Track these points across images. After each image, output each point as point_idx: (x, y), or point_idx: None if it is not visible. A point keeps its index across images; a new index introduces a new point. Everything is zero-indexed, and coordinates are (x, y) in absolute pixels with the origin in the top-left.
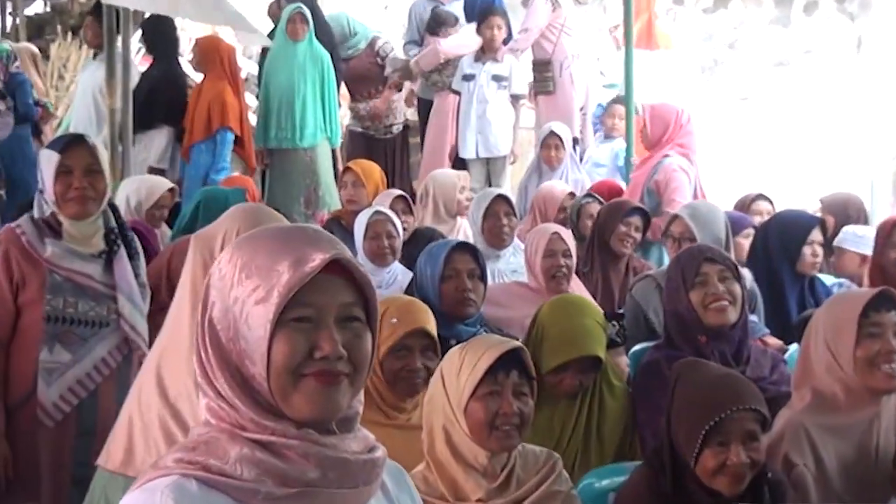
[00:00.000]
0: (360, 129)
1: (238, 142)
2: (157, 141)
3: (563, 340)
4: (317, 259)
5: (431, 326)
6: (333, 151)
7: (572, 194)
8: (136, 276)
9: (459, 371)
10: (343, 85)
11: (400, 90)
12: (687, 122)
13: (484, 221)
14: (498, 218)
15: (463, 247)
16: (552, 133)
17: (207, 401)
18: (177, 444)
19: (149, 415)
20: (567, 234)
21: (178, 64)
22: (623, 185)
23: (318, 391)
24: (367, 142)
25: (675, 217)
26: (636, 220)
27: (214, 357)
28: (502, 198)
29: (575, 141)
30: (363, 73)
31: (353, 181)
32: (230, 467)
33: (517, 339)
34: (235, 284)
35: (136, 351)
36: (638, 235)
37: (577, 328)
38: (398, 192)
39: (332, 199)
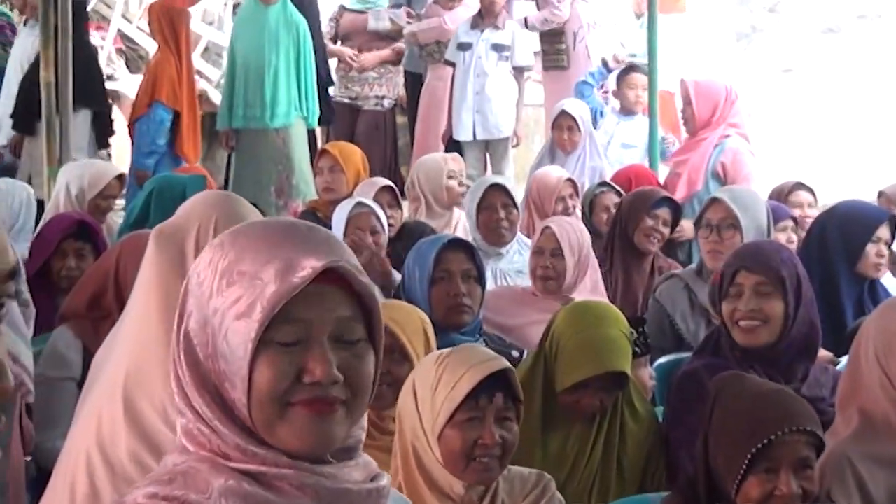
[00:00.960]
0: (346, 99)
1: (177, 121)
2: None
3: (583, 354)
4: (307, 267)
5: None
6: (311, 132)
7: (571, 181)
8: (17, 292)
9: (436, 390)
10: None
11: (398, 62)
12: (736, 99)
13: (479, 215)
14: (494, 210)
15: (456, 244)
16: (565, 113)
17: (185, 423)
18: (148, 476)
19: (116, 452)
20: (568, 229)
21: (86, 33)
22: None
23: (309, 422)
24: (351, 114)
25: (714, 200)
26: (664, 212)
27: (191, 375)
28: (499, 187)
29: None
30: (360, 26)
31: (331, 166)
32: (213, 503)
33: (521, 352)
34: (215, 293)
35: (21, 388)
36: (666, 231)
37: (598, 340)
38: (384, 181)
39: (308, 187)
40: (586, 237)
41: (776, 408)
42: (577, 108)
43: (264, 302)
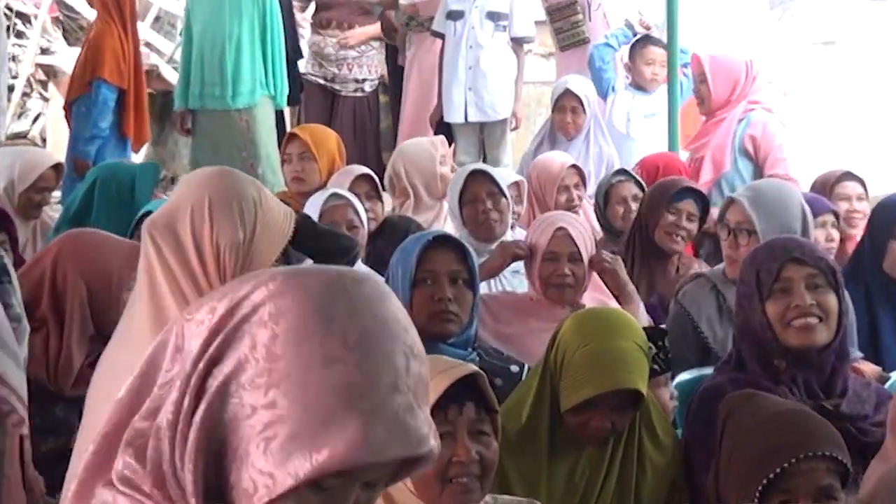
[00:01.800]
0: (320, 80)
1: (122, 101)
2: None
3: (590, 369)
4: (391, 450)
5: None
6: (279, 114)
7: (576, 168)
8: (7, 305)
9: None
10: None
11: (392, 37)
12: (757, 75)
13: (462, 209)
14: (479, 202)
15: (443, 241)
16: (569, 92)
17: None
18: None
19: None
20: (581, 230)
21: None
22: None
23: None
24: (327, 98)
25: (731, 201)
26: (688, 205)
27: (199, 438)
28: (481, 174)
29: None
30: None
31: (300, 153)
32: None
33: (521, 366)
34: (252, 389)
35: (10, 416)
36: (692, 226)
37: (609, 353)
38: (362, 169)
39: (276, 176)
40: (592, 233)
41: (791, 430)
42: (583, 87)
43: (311, 465)
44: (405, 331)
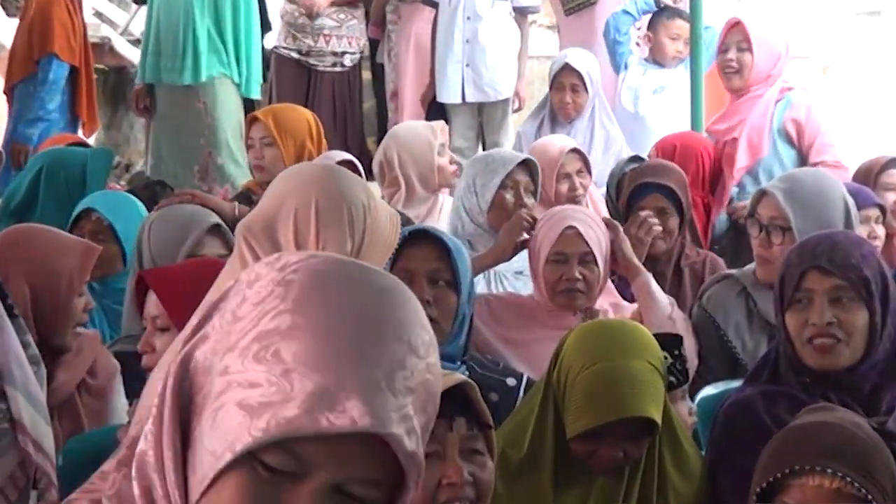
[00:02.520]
0: (293, 54)
1: (73, 80)
2: None
3: (597, 394)
4: (345, 416)
5: None
6: (251, 102)
7: (578, 153)
8: (25, 345)
9: None
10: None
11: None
12: (791, 58)
13: (497, 195)
14: (518, 195)
15: (421, 235)
16: (569, 68)
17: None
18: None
19: None
20: (595, 228)
21: None
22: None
23: None
24: (301, 74)
25: (763, 193)
26: (653, 200)
27: (170, 418)
28: (529, 166)
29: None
30: None
31: (262, 138)
32: None
33: (519, 378)
34: (238, 351)
35: (49, 489)
36: (669, 222)
37: (617, 375)
38: (342, 155)
39: (239, 168)
40: (605, 232)
41: (802, 439)
42: (584, 62)
43: (273, 421)
44: (406, 326)
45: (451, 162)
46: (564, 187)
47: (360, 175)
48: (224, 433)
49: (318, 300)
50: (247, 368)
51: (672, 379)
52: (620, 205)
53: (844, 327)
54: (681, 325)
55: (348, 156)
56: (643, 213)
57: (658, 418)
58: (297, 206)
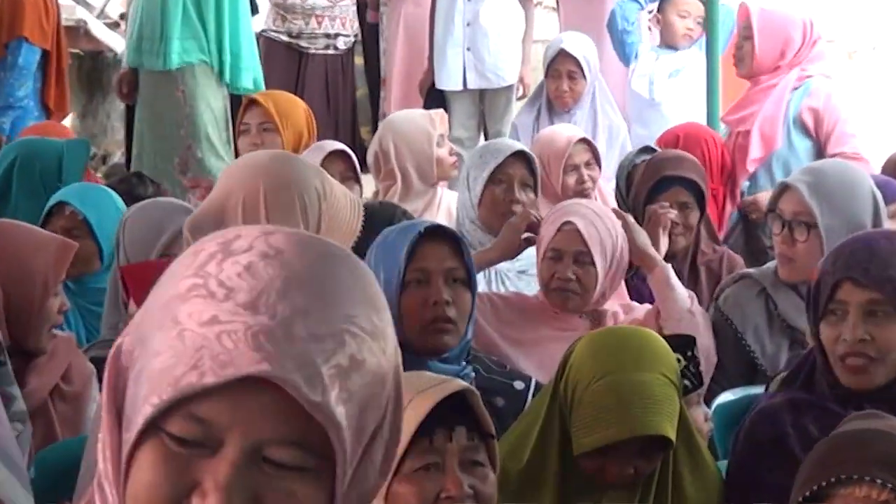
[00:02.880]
0: (283, 36)
1: (44, 66)
2: None
3: (607, 410)
4: (229, 367)
5: None
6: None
7: (586, 143)
8: (8, 399)
9: None
10: None
11: None
12: (817, 39)
13: (486, 190)
14: (510, 189)
15: (438, 233)
16: (564, 53)
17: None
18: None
19: None
20: (599, 226)
21: None
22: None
23: None
24: (291, 58)
25: (786, 187)
26: (678, 194)
27: (106, 418)
28: (522, 157)
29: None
30: None
31: (261, 123)
32: None
33: (527, 382)
34: (149, 322)
35: None
36: (691, 216)
37: (627, 389)
38: (335, 145)
39: (220, 160)
40: (620, 231)
41: (850, 447)
42: (581, 47)
43: (166, 385)
44: (324, 283)
45: (451, 153)
46: (572, 180)
47: (354, 166)
48: (132, 411)
49: (263, 264)
50: (154, 339)
51: (686, 383)
52: (634, 199)
53: (879, 344)
54: (701, 319)
55: (340, 145)
56: (654, 206)
57: (673, 435)
58: (245, 196)
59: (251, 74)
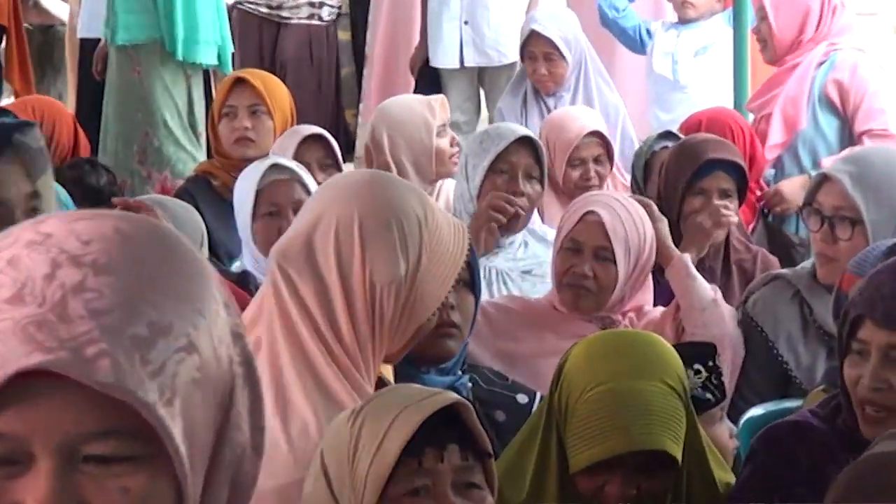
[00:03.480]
0: (262, 9)
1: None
2: None
3: (601, 422)
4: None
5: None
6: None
7: (599, 137)
8: None
9: (354, 456)
10: None
11: None
12: (842, 8)
13: (486, 180)
14: (514, 179)
15: None
16: (535, 35)
17: None
18: None
19: None
20: (623, 217)
21: None
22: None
23: None
24: (268, 30)
25: (825, 178)
26: (718, 180)
27: None
28: (527, 143)
29: None
30: None
31: (251, 105)
32: None
33: (532, 396)
34: None
35: None
36: (728, 206)
37: (624, 399)
38: (312, 129)
39: (179, 151)
40: (649, 230)
41: (873, 474)
42: (556, 25)
43: None
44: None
45: (453, 144)
46: (576, 174)
47: (334, 152)
48: None
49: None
50: None
51: (708, 396)
52: (668, 187)
53: None
54: (726, 310)
55: (318, 129)
56: (718, 202)
57: (675, 450)
58: (338, 221)
59: (211, 49)
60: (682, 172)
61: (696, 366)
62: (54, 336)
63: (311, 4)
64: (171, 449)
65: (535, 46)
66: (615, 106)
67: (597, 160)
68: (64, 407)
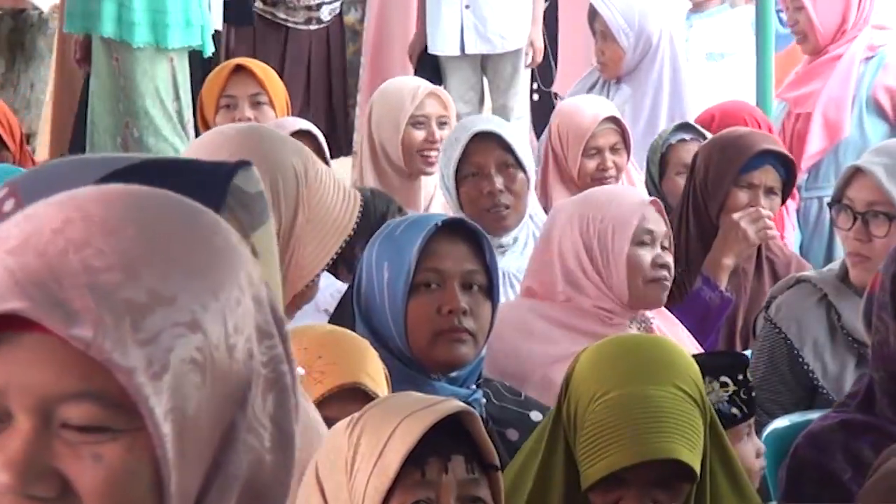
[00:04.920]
0: (257, 7)
1: None
2: None
3: (611, 431)
4: None
5: (372, 378)
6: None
7: (614, 122)
8: None
9: (353, 467)
10: None
11: None
12: None
13: (460, 186)
14: (485, 178)
15: (453, 228)
16: (592, 11)
17: None
18: None
19: None
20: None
21: None
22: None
23: None
24: (269, 33)
25: (857, 171)
26: (767, 174)
27: None
28: (490, 137)
29: None
30: None
31: (253, 95)
32: None
33: (545, 411)
34: None
35: None
36: (773, 205)
37: (633, 406)
38: (298, 123)
39: (159, 140)
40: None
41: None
42: (619, 4)
43: None
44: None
45: (430, 139)
46: (592, 165)
47: (321, 148)
48: None
49: None
50: None
51: (734, 411)
52: (714, 183)
53: None
54: None
55: (307, 125)
56: (761, 210)
57: (692, 459)
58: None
59: (184, 31)
60: (730, 164)
61: (724, 378)
62: (41, 286)
63: (308, 8)
64: (150, 423)
65: (596, 21)
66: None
67: (613, 149)
68: (44, 364)
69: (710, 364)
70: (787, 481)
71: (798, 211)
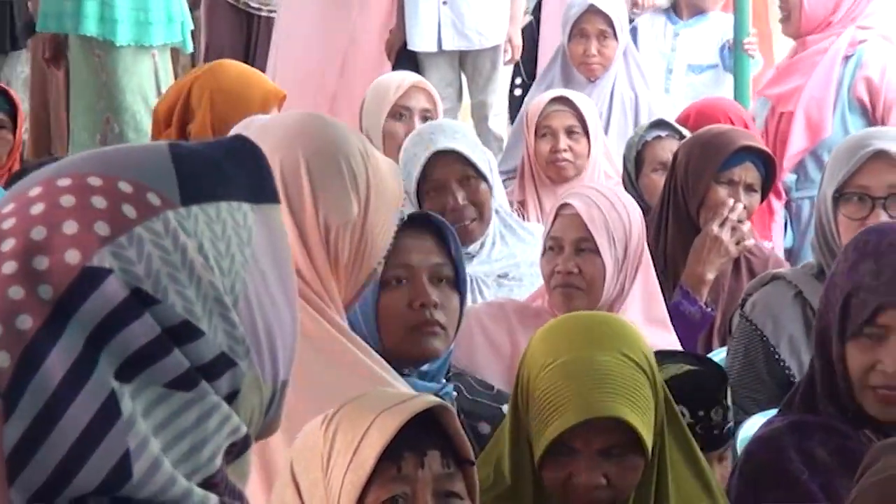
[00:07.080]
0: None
1: None
2: None
3: (556, 395)
4: None
5: None
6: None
7: (566, 102)
8: None
9: (329, 464)
10: None
11: None
12: None
13: (421, 199)
14: (445, 191)
15: (419, 222)
16: (593, 11)
17: None
18: None
19: None
20: (601, 205)
21: None
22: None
23: None
24: (239, 20)
25: (872, 156)
26: (747, 171)
27: None
28: (448, 152)
29: None
30: None
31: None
32: None
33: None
34: None
35: None
36: (752, 202)
37: (579, 368)
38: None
39: (141, 137)
40: (635, 215)
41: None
42: (612, 2)
43: None
44: None
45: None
46: (545, 147)
47: None
48: None
49: None
50: None
51: (716, 432)
52: (692, 181)
53: None
54: None
55: None
56: (738, 213)
57: (638, 423)
58: (282, 165)
59: (166, 28)
60: (710, 160)
61: (727, 401)
62: None
63: None
64: None
65: (590, 23)
66: (649, 103)
67: (569, 132)
68: None
69: (716, 385)
70: (742, 486)
71: (789, 211)
